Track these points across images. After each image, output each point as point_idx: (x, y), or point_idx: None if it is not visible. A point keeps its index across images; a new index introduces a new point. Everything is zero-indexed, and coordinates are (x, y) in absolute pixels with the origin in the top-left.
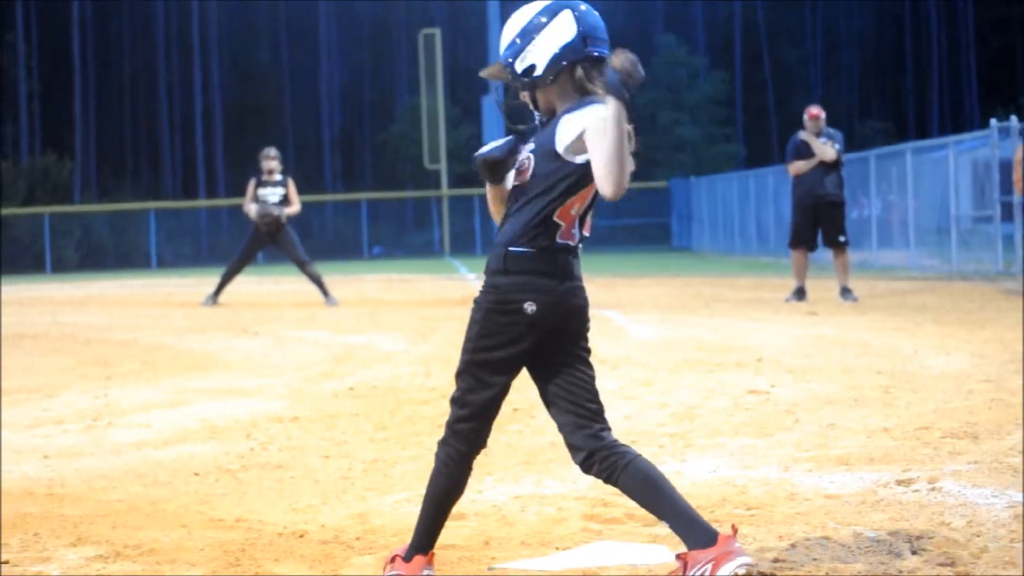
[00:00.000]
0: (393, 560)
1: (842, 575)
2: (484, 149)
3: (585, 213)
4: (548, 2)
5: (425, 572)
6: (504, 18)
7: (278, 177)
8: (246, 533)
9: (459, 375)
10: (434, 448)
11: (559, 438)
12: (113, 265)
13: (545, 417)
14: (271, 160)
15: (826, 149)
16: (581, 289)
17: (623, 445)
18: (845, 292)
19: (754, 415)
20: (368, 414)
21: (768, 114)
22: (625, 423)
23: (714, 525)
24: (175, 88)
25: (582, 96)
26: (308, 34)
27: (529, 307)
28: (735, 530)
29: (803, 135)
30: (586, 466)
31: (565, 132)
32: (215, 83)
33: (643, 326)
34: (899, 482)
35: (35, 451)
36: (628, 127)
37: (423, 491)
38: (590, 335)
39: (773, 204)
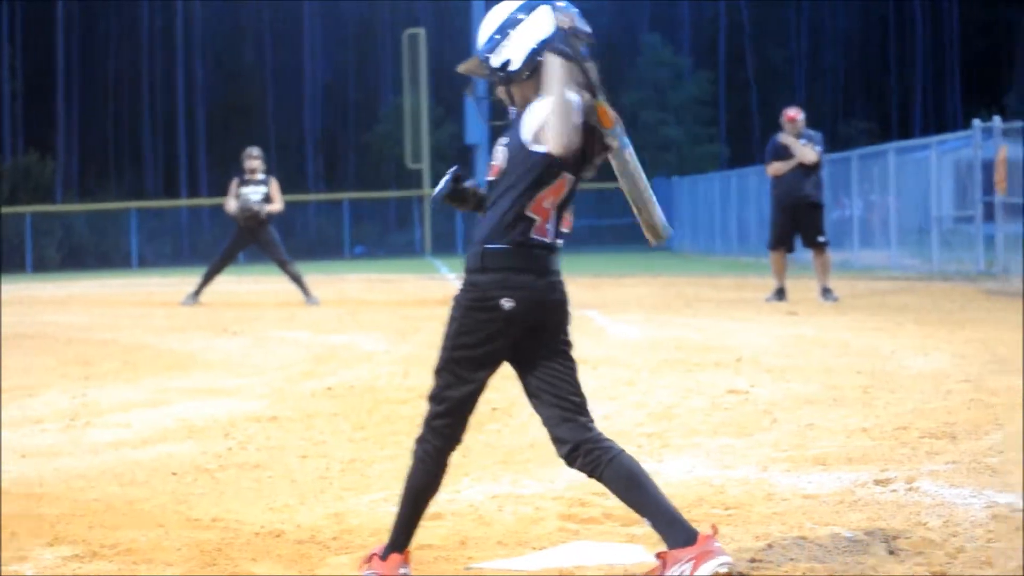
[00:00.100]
0: (370, 559)
1: (819, 575)
2: (434, 192)
3: (562, 208)
4: None
5: (401, 571)
6: None
7: (260, 176)
8: (223, 533)
9: (437, 372)
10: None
11: (537, 438)
12: (94, 265)
13: (523, 417)
14: (254, 160)
15: (806, 152)
16: (560, 283)
17: (608, 440)
18: (826, 292)
19: (733, 415)
20: (346, 414)
21: (752, 114)
22: (604, 423)
23: (693, 525)
24: (158, 88)
25: None
26: (292, 34)
27: (507, 303)
28: (715, 530)
29: (782, 137)
30: (570, 459)
31: (529, 121)
32: (198, 83)
33: (624, 326)
34: (877, 482)
35: (13, 450)
36: (587, 83)
37: (400, 492)
38: (572, 335)
39: (755, 204)
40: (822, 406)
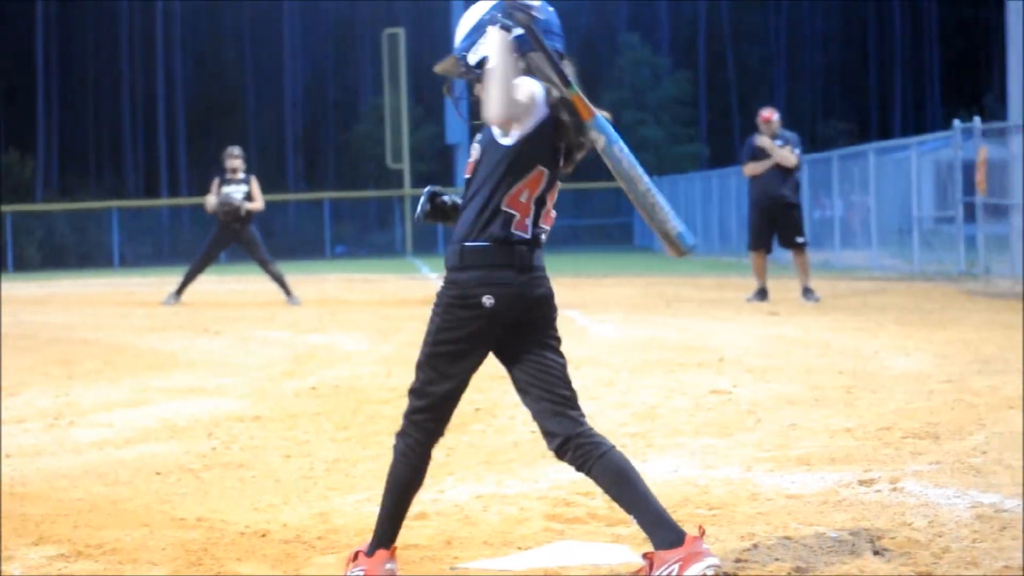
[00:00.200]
0: (355, 557)
1: (804, 575)
2: (416, 213)
3: (542, 202)
4: None
5: (388, 566)
6: None
7: (241, 176)
8: (208, 532)
9: (419, 366)
10: None
11: (521, 438)
12: (75, 264)
13: (507, 416)
14: (235, 159)
15: (786, 155)
16: (543, 279)
17: (599, 435)
18: (807, 292)
19: (716, 415)
20: (329, 414)
21: (732, 114)
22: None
23: (681, 527)
24: (138, 87)
25: None
26: (271, 34)
27: (487, 300)
28: (702, 531)
29: (759, 140)
30: (560, 452)
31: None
32: (178, 82)
33: (605, 326)
34: (861, 482)
35: None
36: (556, 70)
37: (383, 487)
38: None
39: (736, 204)
40: (805, 406)
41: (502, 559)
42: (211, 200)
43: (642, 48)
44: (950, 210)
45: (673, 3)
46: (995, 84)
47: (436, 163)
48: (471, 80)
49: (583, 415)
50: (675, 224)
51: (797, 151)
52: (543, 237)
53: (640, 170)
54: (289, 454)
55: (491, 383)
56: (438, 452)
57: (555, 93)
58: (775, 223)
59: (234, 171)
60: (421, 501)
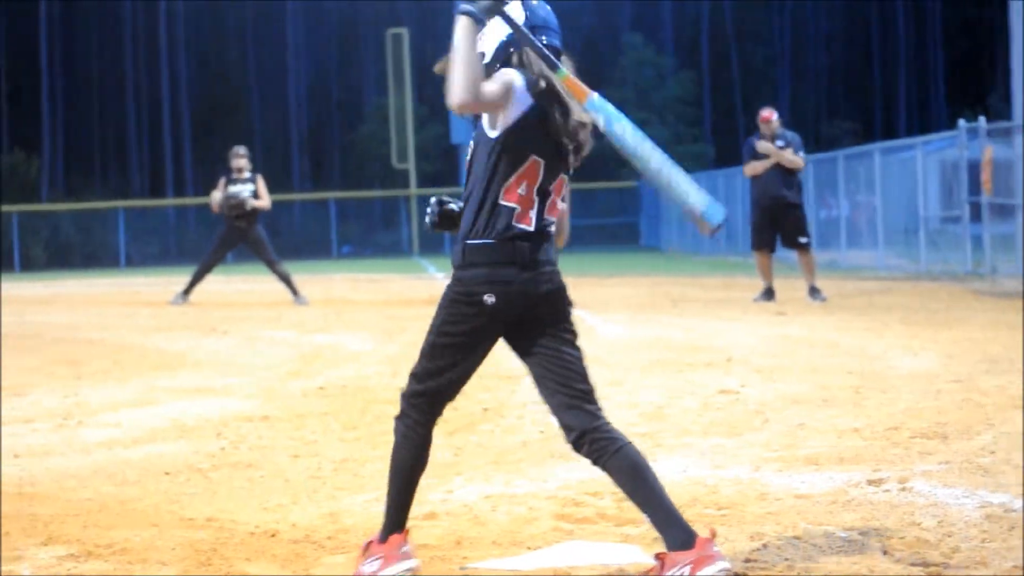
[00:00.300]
0: (367, 547)
1: (814, 575)
2: (426, 223)
3: (544, 194)
4: None
5: (403, 549)
6: None
7: (247, 175)
8: (217, 532)
9: (422, 353)
10: None
11: (530, 437)
12: (81, 264)
13: (515, 416)
14: (240, 158)
15: (791, 158)
16: (551, 274)
17: (616, 430)
18: (813, 292)
19: (724, 415)
20: (337, 413)
21: (736, 114)
22: None
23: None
24: (143, 87)
25: None
26: (275, 33)
27: (488, 299)
28: (713, 533)
29: (760, 147)
30: (577, 445)
31: None
32: (182, 82)
33: (612, 326)
34: (870, 482)
35: (5, 450)
36: (539, 54)
37: (388, 472)
38: None
39: (742, 204)
40: (812, 406)
41: (511, 559)
42: (216, 196)
43: (645, 48)
44: (956, 210)
45: (676, 3)
46: (999, 84)
47: (441, 163)
48: None
49: (600, 409)
50: (697, 201)
51: (800, 153)
52: (551, 229)
53: (650, 147)
54: (297, 454)
55: (499, 383)
56: (446, 452)
57: (542, 83)
58: (777, 223)
59: (240, 171)
60: (430, 501)
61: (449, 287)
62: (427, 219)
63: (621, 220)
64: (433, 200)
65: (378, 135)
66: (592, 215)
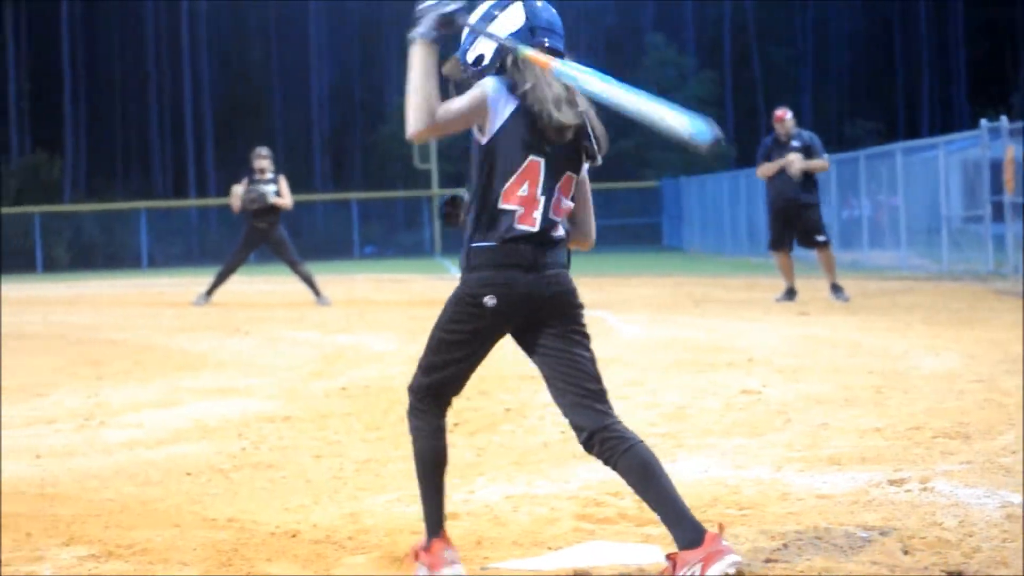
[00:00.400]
0: (416, 555)
1: (835, 575)
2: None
3: (550, 192)
4: None
5: (446, 553)
6: None
7: (270, 176)
8: (238, 533)
9: (427, 347)
10: None
11: (551, 438)
12: (104, 265)
13: (537, 417)
14: (263, 159)
15: (813, 164)
16: (557, 275)
17: (626, 430)
18: (835, 290)
19: (745, 415)
20: (360, 414)
21: (758, 114)
22: None
23: (705, 525)
24: (165, 87)
25: None
26: (298, 34)
27: (490, 301)
28: (722, 528)
29: (763, 170)
30: (588, 446)
31: None
32: (205, 83)
33: (633, 326)
34: (891, 482)
35: (27, 451)
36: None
37: (415, 491)
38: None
39: (764, 204)
40: (835, 406)
41: (532, 559)
42: (237, 190)
43: (667, 48)
44: (978, 209)
45: (698, 3)
46: (1022, 83)
47: (463, 163)
48: (470, 79)
49: (610, 409)
50: (683, 125)
51: (824, 155)
52: (558, 230)
53: (624, 91)
54: (319, 454)
55: (521, 383)
56: (468, 452)
57: (526, 85)
58: (792, 224)
59: (262, 171)
60: (452, 501)
61: (456, 288)
62: (439, 215)
63: (643, 220)
64: (443, 198)
65: (400, 135)
66: (614, 215)
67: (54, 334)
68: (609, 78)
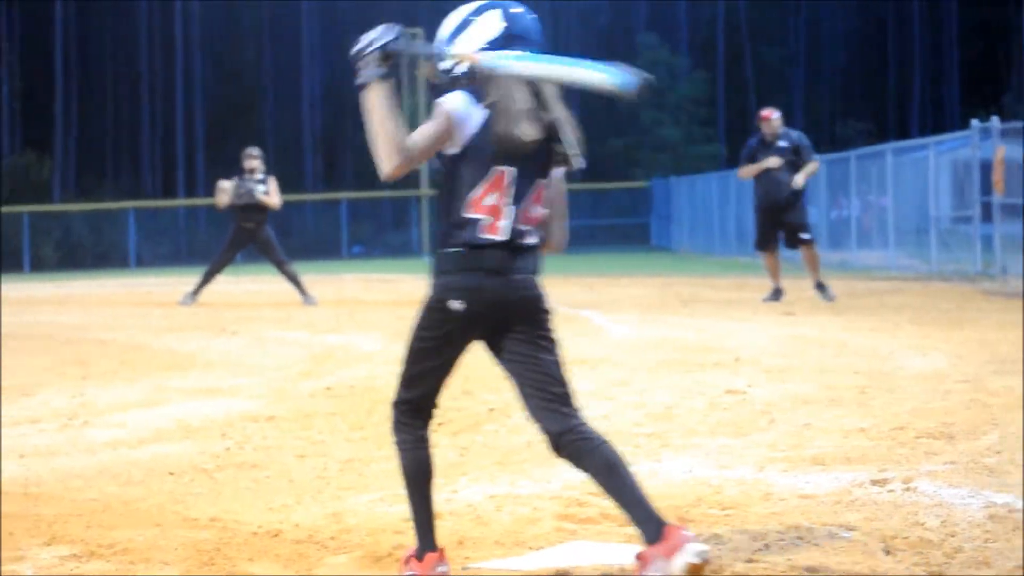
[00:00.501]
0: (408, 560)
1: (817, 575)
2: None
3: (519, 203)
4: (484, 1)
5: (440, 569)
6: None
7: (260, 176)
8: (220, 532)
9: (405, 358)
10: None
11: (534, 438)
12: (92, 264)
13: (520, 417)
14: (253, 159)
15: (807, 172)
16: (525, 281)
17: (591, 431)
18: (820, 288)
19: (730, 415)
20: (344, 414)
21: (750, 114)
22: (603, 423)
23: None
24: (156, 87)
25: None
26: (290, 34)
27: (456, 305)
28: (682, 521)
29: (744, 171)
30: (555, 449)
31: None
32: (196, 82)
33: (622, 326)
34: (874, 482)
35: (11, 450)
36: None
37: (398, 491)
38: (570, 335)
39: (753, 205)
40: (820, 406)
41: (514, 559)
42: (224, 184)
43: (660, 48)
44: (967, 210)
45: (691, 3)
46: (1013, 84)
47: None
48: (443, 84)
49: (576, 411)
50: (608, 80)
51: (814, 157)
52: (529, 238)
53: (550, 63)
54: (303, 454)
55: (504, 383)
56: (451, 452)
57: (492, 97)
58: (779, 223)
59: (253, 171)
60: (434, 500)
61: (427, 295)
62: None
63: (632, 220)
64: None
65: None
66: (603, 215)
67: (42, 334)
68: (536, 56)
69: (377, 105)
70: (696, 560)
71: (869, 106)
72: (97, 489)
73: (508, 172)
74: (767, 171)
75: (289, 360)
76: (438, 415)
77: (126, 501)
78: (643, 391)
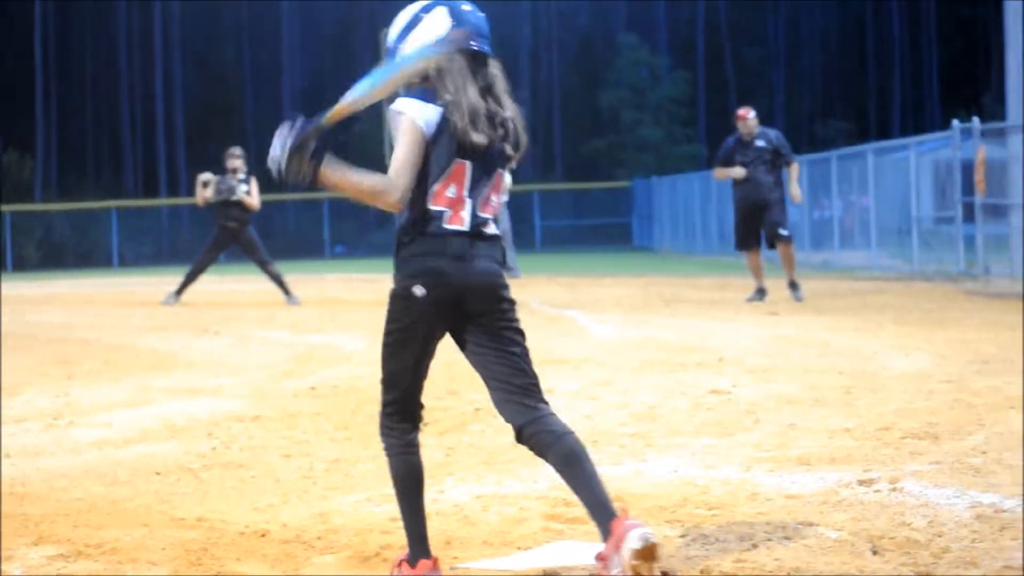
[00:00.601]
0: (400, 564)
1: (804, 575)
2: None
3: (480, 192)
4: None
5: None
6: None
7: (242, 176)
8: (207, 532)
9: (381, 358)
10: None
11: None
12: (74, 264)
13: None
14: (236, 159)
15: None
16: (488, 269)
17: (555, 423)
18: (793, 287)
19: (715, 415)
20: (329, 413)
21: (730, 114)
22: (586, 423)
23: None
24: (137, 87)
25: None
26: (271, 34)
27: (418, 291)
28: (625, 511)
29: (718, 172)
30: (520, 440)
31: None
32: (177, 82)
33: (605, 326)
34: (860, 482)
35: None
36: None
37: (384, 491)
38: (553, 335)
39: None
40: (804, 406)
41: (501, 559)
42: (203, 176)
43: (640, 48)
44: (949, 210)
45: (671, 3)
46: (994, 84)
47: None
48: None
49: (540, 403)
50: (418, 64)
51: (793, 160)
52: (489, 227)
53: (380, 78)
54: (289, 454)
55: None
56: (438, 452)
57: (447, 95)
58: (758, 221)
59: (235, 171)
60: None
61: (392, 286)
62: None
63: (614, 220)
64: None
65: (373, 135)
66: (585, 215)
67: (25, 334)
68: (374, 73)
69: (337, 179)
70: (638, 545)
71: (849, 106)
72: (83, 489)
73: (467, 164)
74: (745, 170)
75: (272, 360)
76: (424, 416)
77: (113, 501)
78: (626, 391)
